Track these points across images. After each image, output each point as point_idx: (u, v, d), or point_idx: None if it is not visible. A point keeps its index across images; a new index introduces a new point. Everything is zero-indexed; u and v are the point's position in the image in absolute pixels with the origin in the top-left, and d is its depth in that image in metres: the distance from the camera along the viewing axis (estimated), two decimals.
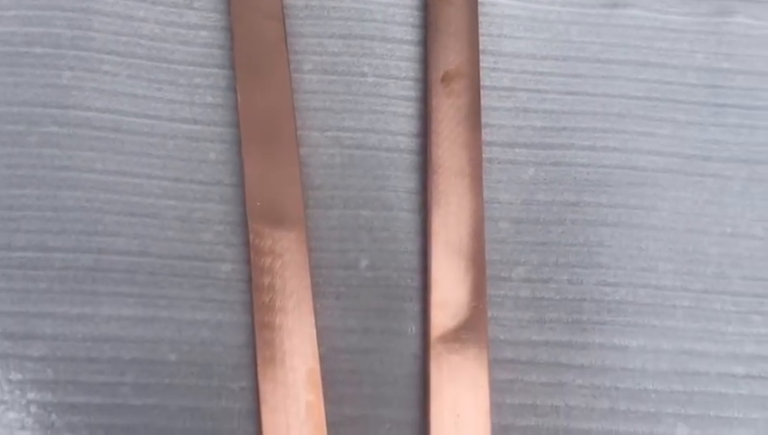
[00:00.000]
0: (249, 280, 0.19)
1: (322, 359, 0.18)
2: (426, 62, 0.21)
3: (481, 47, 0.21)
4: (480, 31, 0.21)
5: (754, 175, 0.21)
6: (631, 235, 0.20)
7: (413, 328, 0.19)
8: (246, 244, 0.19)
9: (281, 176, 0.20)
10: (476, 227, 0.20)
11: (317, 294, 0.19)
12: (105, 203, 0.19)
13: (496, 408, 0.18)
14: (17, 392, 0.17)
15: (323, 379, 0.18)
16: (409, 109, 0.21)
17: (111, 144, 0.20)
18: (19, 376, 0.18)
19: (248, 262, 0.19)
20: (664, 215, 0.20)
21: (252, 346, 0.18)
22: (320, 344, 0.19)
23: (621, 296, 0.19)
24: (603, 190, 0.21)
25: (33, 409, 0.17)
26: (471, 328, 0.19)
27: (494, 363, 0.19)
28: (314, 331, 0.18)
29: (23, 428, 0.17)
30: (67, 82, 0.20)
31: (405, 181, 0.20)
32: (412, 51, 0.21)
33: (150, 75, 0.20)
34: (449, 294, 0.19)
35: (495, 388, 0.19)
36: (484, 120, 0.21)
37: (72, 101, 0.20)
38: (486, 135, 0.21)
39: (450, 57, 0.21)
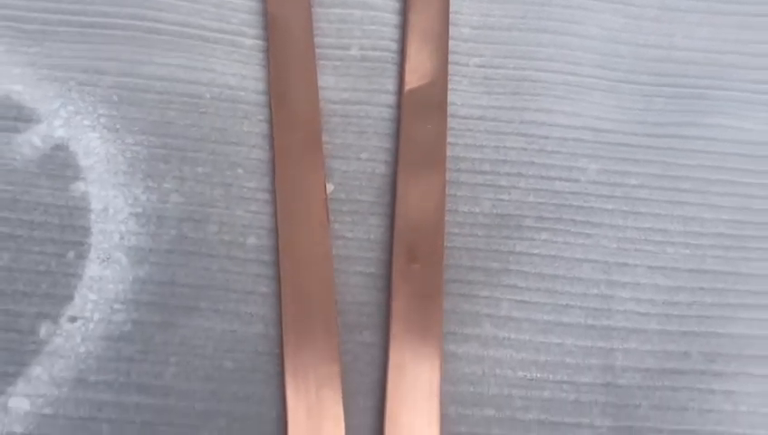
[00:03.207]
0: (267, 50, 0.30)
1: (321, 110, 0.29)
2: None
3: None
4: None
5: (665, 6, 0.33)
6: (564, 40, 0.32)
7: (390, 87, 0.30)
8: (266, 27, 0.30)
9: None
10: (443, 26, 0.32)
11: (318, 66, 0.30)
12: None
13: (451, 146, 0.29)
14: (90, 108, 0.29)
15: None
16: None
17: None
18: (92, 97, 0.29)
19: (266, 39, 0.30)
20: (590, 29, 0.32)
21: (269, 93, 0.29)
22: (320, 99, 0.30)
23: (553, 78, 0.31)
24: (544, 10, 0.33)
25: (102, 120, 0.29)
26: (434, 86, 0.30)
27: (450, 118, 0.30)
28: (316, 85, 0.30)
29: (93, 130, 0.28)
30: None
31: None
32: None
33: None
34: (419, 65, 0.31)
35: (452, 134, 0.30)
36: None
37: None
38: None
39: None
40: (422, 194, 0.29)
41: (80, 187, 0.28)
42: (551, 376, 0.27)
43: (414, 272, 0.28)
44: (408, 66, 0.32)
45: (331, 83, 0.31)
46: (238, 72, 0.31)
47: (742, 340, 0.27)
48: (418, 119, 0.31)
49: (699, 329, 0.28)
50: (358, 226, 0.29)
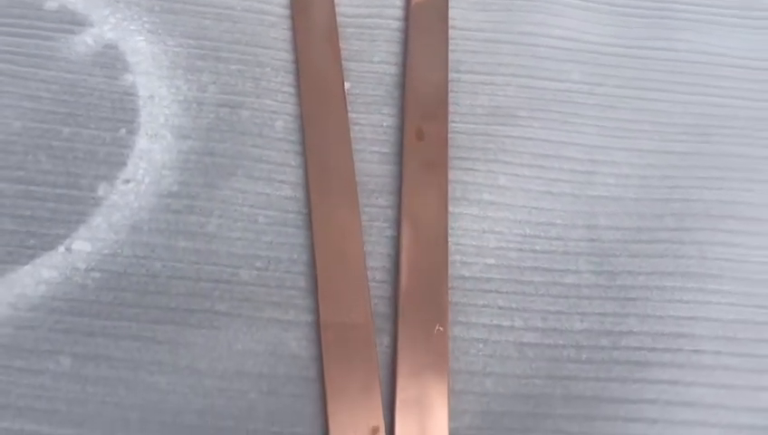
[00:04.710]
0: None
1: (338, 22, 0.35)
2: None
3: None
4: None
5: None
6: None
7: (398, 2, 0.36)
8: None
9: None
10: None
11: None
12: None
13: (451, 52, 0.35)
14: (136, 16, 0.34)
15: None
16: None
17: None
18: (137, 8, 0.34)
19: None
20: None
21: (292, 17, 0.35)
22: (336, 13, 0.35)
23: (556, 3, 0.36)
24: None
25: (146, 26, 0.34)
26: (437, 1, 0.35)
27: (451, 30, 0.35)
28: (333, 1, 0.35)
29: (139, 33, 0.33)
30: None
31: None
32: None
33: None
34: None
35: (452, 43, 0.35)
36: None
37: None
38: None
39: None
40: (427, 88, 0.34)
41: (128, 78, 0.33)
42: (542, 233, 0.32)
43: (421, 147, 0.33)
44: None
45: (345, 1, 0.37)
46: None
47: (708, 203, 0.32)
48: (423, 27, 0.36)
49: (671, 196, 0.33)
50: (372, 115, 0.34)
